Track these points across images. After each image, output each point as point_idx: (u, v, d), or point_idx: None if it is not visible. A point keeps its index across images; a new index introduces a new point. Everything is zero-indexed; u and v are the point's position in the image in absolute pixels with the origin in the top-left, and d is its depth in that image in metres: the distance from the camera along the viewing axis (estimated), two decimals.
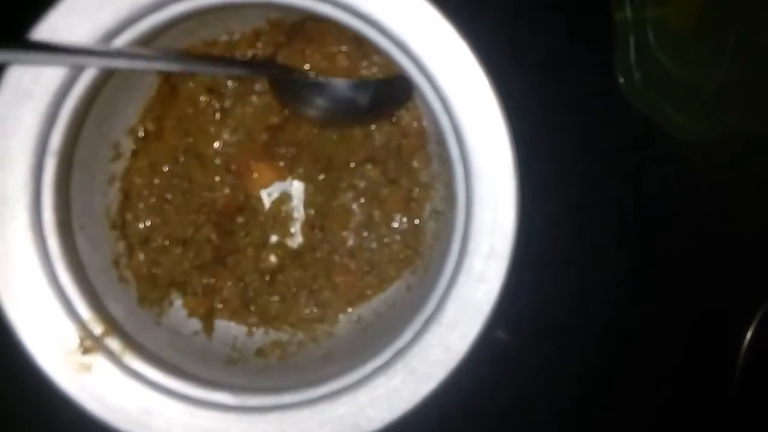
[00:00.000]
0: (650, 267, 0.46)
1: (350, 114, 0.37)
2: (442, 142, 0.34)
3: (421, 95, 0.34)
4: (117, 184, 0.38)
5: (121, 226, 0.38)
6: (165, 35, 0.34)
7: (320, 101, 0.36)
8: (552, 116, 0.46)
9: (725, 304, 0.46)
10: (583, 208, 0.46)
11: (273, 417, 0.32)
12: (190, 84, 0.38)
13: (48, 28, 0.31)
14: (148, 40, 0.33)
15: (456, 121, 0.33)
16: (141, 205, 0.38)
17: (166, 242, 0.38)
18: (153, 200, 0.38)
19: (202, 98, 0.39)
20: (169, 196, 0.39)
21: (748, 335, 0.45)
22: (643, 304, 0.46)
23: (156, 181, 0.39)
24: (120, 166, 0.38)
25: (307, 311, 0.39)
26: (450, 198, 0.35)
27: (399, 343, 0.33)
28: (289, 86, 0.37)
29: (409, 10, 0.32)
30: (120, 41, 0.32)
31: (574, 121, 0.46)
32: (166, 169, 0.39)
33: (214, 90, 0.39)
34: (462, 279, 0.33)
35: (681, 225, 0.46)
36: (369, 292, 0.40)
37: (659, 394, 0.47)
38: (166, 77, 0.38)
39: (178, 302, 0.39)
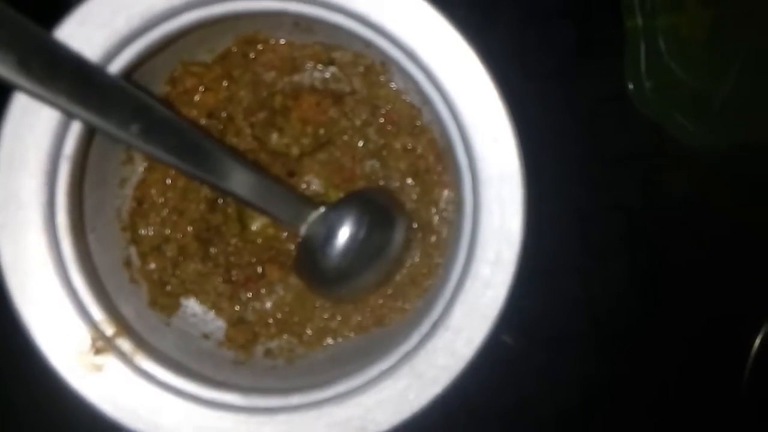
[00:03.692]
0: (657, 275, 0.46)
1: None
2: (450, 150, 0.34)
3: (430, 104, 0.34)
4: (129, 189, 0.39)
5: (131, 231, 0.39)
6: (178, 43, 0.35)
7: None
8: (561, 123, 0.46)
9: (733, 313, 0.46)
10: (591, 216, 0.46)
11: (281, 418, 0.33)
12: (193, 112, 0.39)
13: (63, 36, 0.31)
14: (161, 48, 0.34)
15: (464, 129, 0.33)
16: (153, 215, 0.39)
17: (180, 257, 0.39)
18: (166, 211, 0.39)
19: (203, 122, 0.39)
20: (182, 208, 0.39)
21: (756, 344, 0.45)
22: (650, 311, 0.46)
23: (170, 194, 0.39)
24: (130, 169, 0.39)
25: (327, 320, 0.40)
26: (457, 203, 0.35)
27: (405, 347, 0.33)
28: None
29: (418, 20, 0.33)
30: (133, 49, 0.33)
31: (583, 129, 0.46)
32: (180, 184, 0.39)
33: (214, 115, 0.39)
34: (468, 284, 0.33)
35: (689, 233, 0.46)
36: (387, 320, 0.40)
37: (665, 403, 0.46)
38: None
39: (186, 304, 0.39)
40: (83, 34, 0.32)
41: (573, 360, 0.46)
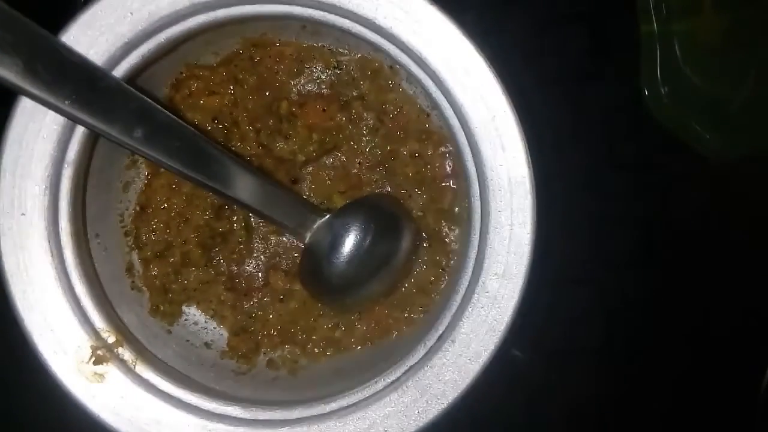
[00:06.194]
0: (673, 286, 0.45)
1: None
2: (458, 156, 0.33)
3: (438, 109, 0.33)
4: (133, 193, 0.38)
5: (134, 236, 0.38)
6: (183, 47, 0.34)
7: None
8: (575, 130, 0.45)
9: (750, 325, 0.45)
10: (605, 225, 0.45)
11: None
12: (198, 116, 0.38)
13: (69, 41, 0.31)
14: (165, 52, 0.34)
15: (472, 135, 0.32)
16: (156, 220, 0.38)
17: (183, 264, 0.38)
18: (170, 217, 0.38)
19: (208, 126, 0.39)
20: (187, 215, 0.38)
21: None
22: (665, 325, 0.45)
23: (174, 200, 0.38)
24: (135, 173, 0.38)
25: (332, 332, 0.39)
26: (466, 212, 0.34)
27: (411, 360, 0.33)
28: None
29: (426, 24, 0.32)
30: (138, 53, 0.32)
31: (597, 135, 0.45)
32: (185, 190, 0.39)
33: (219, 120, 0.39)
34: (476, 297, 0.32)
35: (706, 243, 0.45)
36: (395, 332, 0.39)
37: (679, 418, 0.46)
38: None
39: (188, 312, 0.39)
40: (88, 39, 0.31)
41: (585, 375, 0.45)
